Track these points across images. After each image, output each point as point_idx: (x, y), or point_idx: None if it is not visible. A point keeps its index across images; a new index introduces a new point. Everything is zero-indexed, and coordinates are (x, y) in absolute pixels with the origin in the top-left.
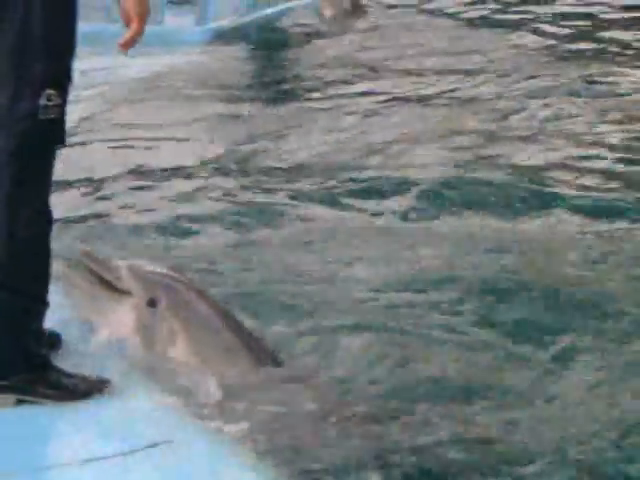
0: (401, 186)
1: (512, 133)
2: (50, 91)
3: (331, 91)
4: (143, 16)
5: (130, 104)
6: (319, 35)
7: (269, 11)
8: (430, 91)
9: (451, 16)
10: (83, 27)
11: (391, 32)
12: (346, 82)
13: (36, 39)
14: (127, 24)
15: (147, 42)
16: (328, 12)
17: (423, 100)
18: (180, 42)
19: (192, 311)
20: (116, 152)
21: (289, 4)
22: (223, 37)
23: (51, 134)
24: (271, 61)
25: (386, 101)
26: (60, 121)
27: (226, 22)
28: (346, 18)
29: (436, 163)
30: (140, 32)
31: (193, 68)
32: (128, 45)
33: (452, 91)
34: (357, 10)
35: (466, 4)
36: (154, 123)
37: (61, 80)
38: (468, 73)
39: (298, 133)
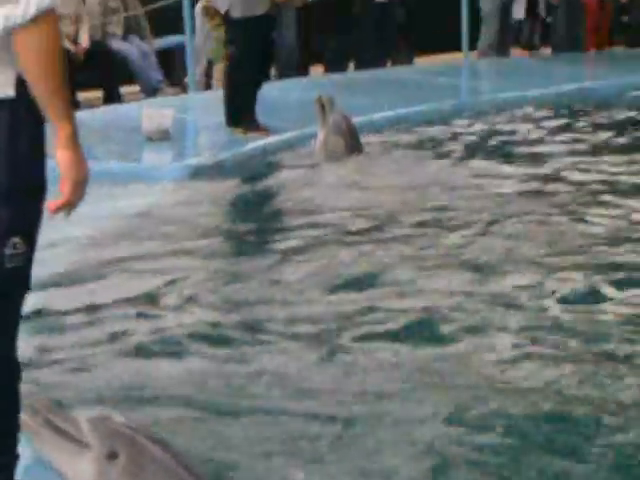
0: None
1: None
2: (16, 239)
3: (307, 237)
4: (81, 183)
5: (109, 242)
6: (299, 174)
7: (248, 147)
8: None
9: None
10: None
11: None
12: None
13: (0, 185)
14: (60, 189)
15: (125, 179)
16: (321, 155)
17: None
18: (158, 179)
19: (153, 465)
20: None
21: (269, 140)
22: (201, 174)
23: (17, 281)
24: (249, 198)
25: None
26: (26, 268)
27: (204, 159)
28: (339, 160)
29: None
30: (72, 202)
31: (170, 205)
32: (58, 212)
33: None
34: (353, 151)
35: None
36: (133, 257)
37: (28, 227)
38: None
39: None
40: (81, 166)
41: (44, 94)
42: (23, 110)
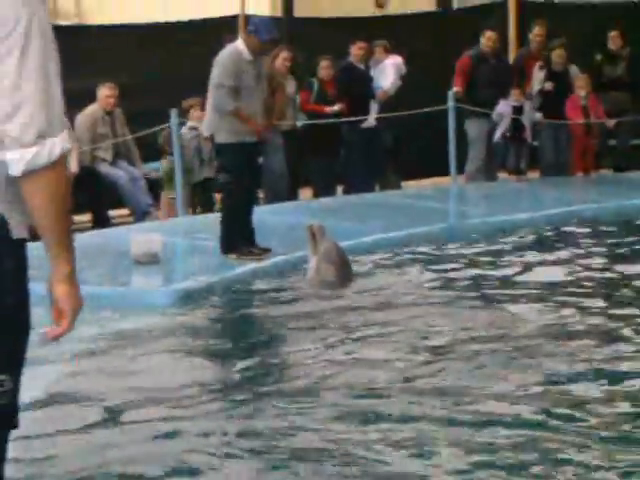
0: None
1: None
2: (2, 377)
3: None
4: (76, 311)
5: (94, 365)
6: (288, 299)
7: (237, 271)
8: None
9: None
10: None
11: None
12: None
13: None
14: (56, 318)
15: (114, 303)
16: (313, 282)
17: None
18: (147, 303)
19: None
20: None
21: (259, 264)
22: (191, 298)
23: (3, 419)
24: (239, 323)
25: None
26: (13, 405)
27: (193, 283)
28: (331, 288)
29: None
30: (71, 329)
31: (160, 330)
32: (55, 340)
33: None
34: (344, 280)
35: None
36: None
37: (15, 362)
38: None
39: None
40: (78, 298)
41: (48, 233)
42: (9, 250)
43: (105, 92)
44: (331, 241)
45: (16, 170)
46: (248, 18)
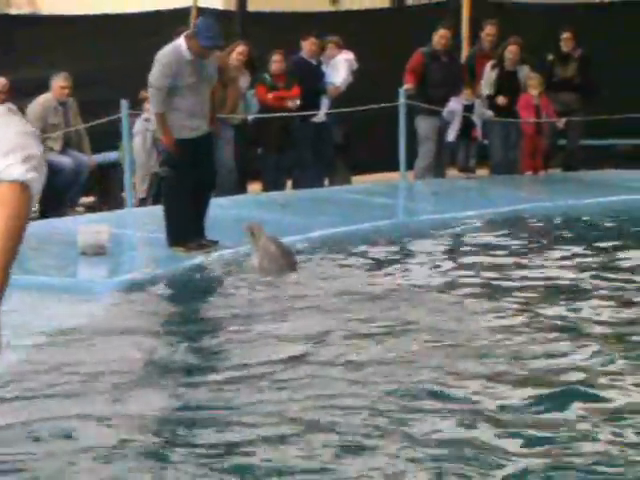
0: None
1: None
2: None
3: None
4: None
5: (44, 355)
6: (234, 290)
7: (185, 263)
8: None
9: None
10: None
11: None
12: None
13: None
14: None
15: (60, 293)
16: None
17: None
18: (93, 294)
19: None
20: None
21: (206, 257)
22: (137, 288)
23: None
24: (183, 314)
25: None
26: None
27: (139, 274)
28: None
29: None
30: None
31: (105, 320)
32: None
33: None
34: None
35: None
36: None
37: None
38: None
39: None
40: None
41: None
42: None
43: (59, 82)
44: (270, 238)
45: None
46: (200, 10)
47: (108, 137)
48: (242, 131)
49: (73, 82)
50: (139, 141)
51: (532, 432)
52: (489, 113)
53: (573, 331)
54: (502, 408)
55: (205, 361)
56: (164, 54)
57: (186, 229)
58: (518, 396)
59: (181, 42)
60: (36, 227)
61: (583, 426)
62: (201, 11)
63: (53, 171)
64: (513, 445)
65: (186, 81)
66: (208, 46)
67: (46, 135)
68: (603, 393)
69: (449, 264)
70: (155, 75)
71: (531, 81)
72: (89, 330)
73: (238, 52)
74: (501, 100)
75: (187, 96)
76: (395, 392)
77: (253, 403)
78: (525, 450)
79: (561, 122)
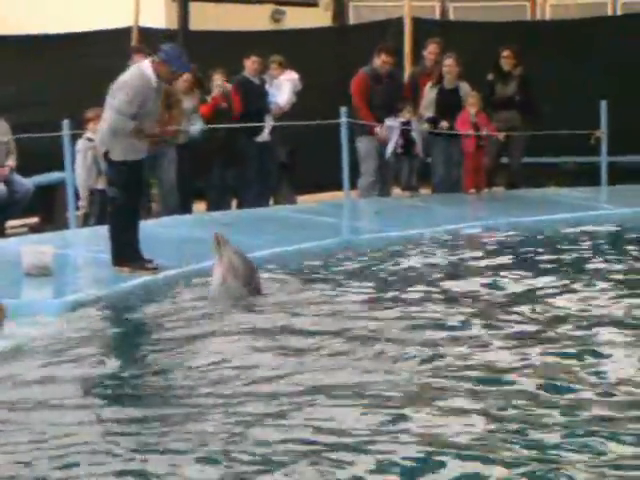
0: None
1: None
2: None
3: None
4: None
5: None
6: (179, 310)
7: (129, 284)
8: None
9: None
10: None
11: None
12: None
13: None
14: None
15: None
16: (218, 293)
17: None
18: (38, 314)
19: None
20: None
21: (150, 277)
22: (82, 309)
23: None
24: (127, 334)
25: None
26: None
27: (84, 294)
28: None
29: None
30: None
31: (47, 342)
32: None
33: None
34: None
35: None
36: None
37: None
38: None
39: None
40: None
41: None
42: None
43: None
44: (235, 249)
45: None
46: (142, 30)
47: (50, 157)
48: (186, 150)
49: (13, 102)
50: (80, 159)
51: None
52: (426, 126)
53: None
54: None
55: (147, 381)
56: (131, 81)
57: (131, 249)
58: None
59: (146, 68)
60: None
61: None
62: (142, 30)
63: None
64: None
65: (147, 107)
66: (182, 72)
67: None
68: None
69: (390, 280)
70: (123, 102)
71: (470, 99)
72: (33, 350)
73: (183, 79)
74: (444, 124)
75: (143, 121)
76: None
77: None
78: None
79: (501, 135)
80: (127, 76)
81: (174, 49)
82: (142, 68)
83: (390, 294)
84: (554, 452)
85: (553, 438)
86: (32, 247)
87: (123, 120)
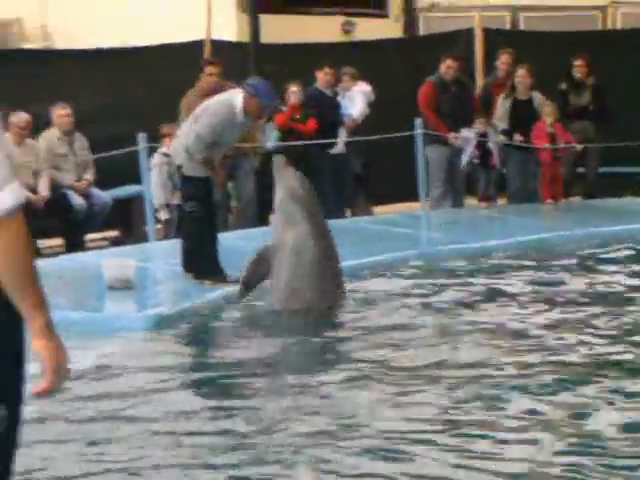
0: None
1: None
2: None
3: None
4: (60, 369)
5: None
6: (257, 322)
7: (209, 296)
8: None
9: None
10: None
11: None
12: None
13: None
14: (43, 372)
15: (89, 329)
16: (278, 221)
17: None
18: (121, 329)
19: None
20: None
21: (229, 289)
22: (164, 323)
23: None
24: (211, 348)
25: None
26: (8, 432)
27: (167, 308)
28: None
29: None
30: (56, 386)
31: (134, 355)
32: (42, 396)
33: None
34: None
35: None
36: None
37: (8, 392)
38: None
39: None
40: (60, 352)
41: (13, 289)
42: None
43: (59, 112)
44: (295, 173)
45: None
46: (214, 43)
47: (126, 171)
48: (262, 163)
49: (89, 116)
50: (155, 174)
51: None
52: (502, 138)
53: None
54: None
55: (232, 394)
56: (218, 110)
57: (211, 262)
58: None
59: (237, 101)
60: (62, 262)
61: None
62: (214, 43)
63: (70, 207)
64: None
65: (226, 139)
66: (269, 104)
67: (55, 166)
68: None
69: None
70: (205, 128)
71: (546, 109)
72: (119, 365)
73: None
74: (517, 137)
75: (216, 149)
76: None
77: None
78: None
79: (578, 147)
80: (216, 103)
81: (262, 83)
82: (232, 99)
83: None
84: None
85: None
86: (114, 261)
87: (198, 145)
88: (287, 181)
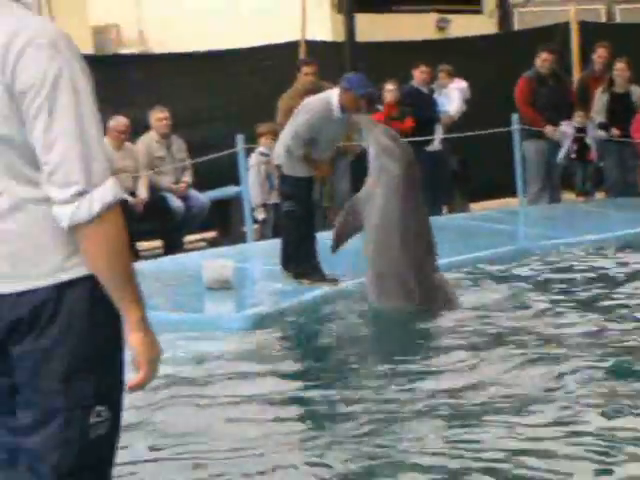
0: None
1: None
2: (100, 407)
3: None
4: (154, 361)
5: (176, 391)
6: (357, 322)
7: (309, 296)
8: None
9: None
10: None
11: None
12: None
13: (83, 358)
14: (137, 367)
15: (188, 329)
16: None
17: None
18: (220, 328)
19: None
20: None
21: (327, 288)
22: (263, 323)
23: (102, 451)
24: (312, 347)
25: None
26: (111, 436)
27: (265, 308)
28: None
29: None
30: (150, 379)
31: (233, 355)
32: (135, 389)
33: None
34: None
35: None
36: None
37: (111, 394)
38: None
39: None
40: (154, 346)
41: (111, 284)
42: (100, 284)
43: (156, 115)
44: (389, 134)
45: (62, 225)
46: (309, 44)
47: (224, 172)
48: (357, 161)
49: (186, 119)
50: (253, 174)
51: None
52: (602, 133)
53: None
54: None
55: (336, 395)
56: (314, 106)
57: (310, 261)
58: None
59: (332, 97)
60: (161, 264)
61: None
62: (309, 43)
63: (168, 209)
64: None
65: (325, 137)
66: (365, 93)
67: (154, 169)
68: None
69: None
70: (301, 125)
71: None
72: (218, 364)
73: None
74: (615, 132)
75: (318, 147)
76: None
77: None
78: None
79: None
80: (313, 101)
81: (356, 75)
82: (329, 96)
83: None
84: None
85: None
86: (213, 262)
87: (297, 142)
88: (377, 137)
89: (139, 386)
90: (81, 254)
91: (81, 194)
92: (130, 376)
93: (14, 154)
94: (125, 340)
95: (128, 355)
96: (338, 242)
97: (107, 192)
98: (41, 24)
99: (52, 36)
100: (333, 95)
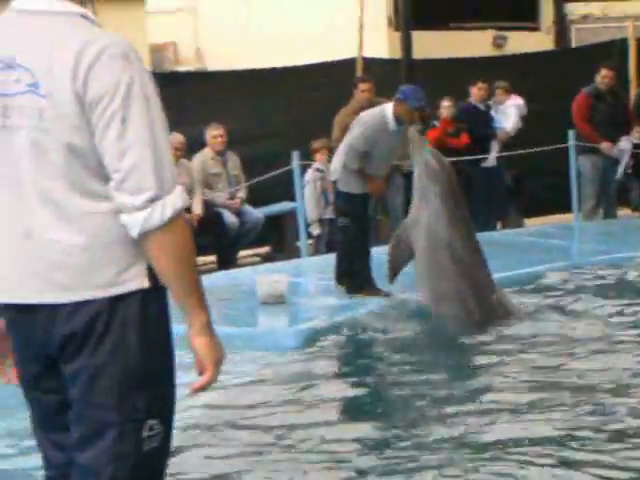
0: None
1: None
2: (152, 421)
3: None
4: (219, 363)
5: (232, 407)
6: (411, 335)
7: (364, 310)
8: None
9: None
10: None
11: None
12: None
13: (135, 372)
14: (201, 372)
15: (243, 344)
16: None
17: None
18: (274, 343)
19: None
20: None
21: (380, 302)
22: (317, 337)
23: (154, 464)
24: (368, 362)
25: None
26: (163, 448)
27: (320, 322)
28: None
29: None
30: (215, 380)
31: (288, 368)
32: (199, 391)
33: None
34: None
35: None
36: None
37: (164, 408)
38: None
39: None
40: (218, 348)
41: (179, 289)
42: (153, 298)
43: (212, 132)
44: (434, 154)
45: (133, 232)
46: (365, 61)
47: (281, 188)
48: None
49: (242, 135)
50: (309, 190)
51: None
52: None
53: None
54: None
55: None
56: (369, 119)
57: (365, 276)
58: None
59: (387, 110)
60: (215, 279)
61: None
62: (366, 61)
63: (223, 225)
64: None
65: (379, 150)
66: (419, 106)
67: (209, 185)
68: None
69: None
70: (357, 138)
71: None
72: (273, 378)
73: None
74: None
75: (374, 161)
76: None
77: None
78: None
79: None
80: (368, 114)
81: (411, 88)
82: (384, 109)
83: None
84: None
85: None
86: (267, 277)
87: (352, 155)
88: (424, 156)
89: (204, 388)
90: (132, 270)
91: (153, 200)
92: (192, 379)
93: (79, 165)
94: (189, 345)
95: (190, 358)
96: (394, 272)
97: (177, 198)
98: (113, 36)
99: (124, 47)
100: (388, 108)
